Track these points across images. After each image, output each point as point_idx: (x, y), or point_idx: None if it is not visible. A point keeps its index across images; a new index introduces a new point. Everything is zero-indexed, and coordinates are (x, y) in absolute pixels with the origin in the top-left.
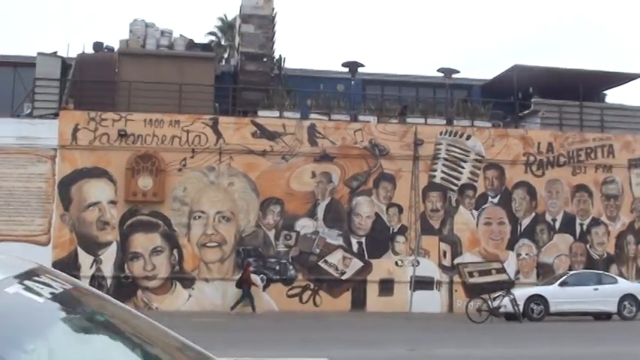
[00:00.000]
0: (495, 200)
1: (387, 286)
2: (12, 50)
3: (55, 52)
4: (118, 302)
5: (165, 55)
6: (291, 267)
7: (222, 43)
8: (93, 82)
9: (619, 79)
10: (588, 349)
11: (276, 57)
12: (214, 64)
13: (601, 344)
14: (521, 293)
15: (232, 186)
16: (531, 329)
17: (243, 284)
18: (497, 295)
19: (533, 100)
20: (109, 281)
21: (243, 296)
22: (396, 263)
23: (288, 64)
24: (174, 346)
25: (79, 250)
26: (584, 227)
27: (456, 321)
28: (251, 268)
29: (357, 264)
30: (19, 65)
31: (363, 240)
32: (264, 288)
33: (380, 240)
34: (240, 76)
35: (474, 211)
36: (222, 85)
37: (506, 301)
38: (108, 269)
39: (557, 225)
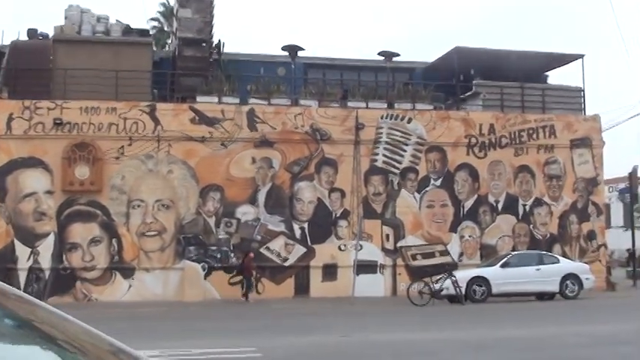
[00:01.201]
0: (437, 183)
1: (330, 271)
2: None
3: None
4: (39, 302)
5: (101, 41)
6: (232, 254)
7: (165, 29)
8: (27, 70)
9: (561, 60)
10: (530, 330)
11: (215, 42)
12: (152, 50)
13: (543, 324)
14: (463, 275)
15: (171, 173)
16: (473, 311)
17: (245, 272)
18: (439, 277)
19: (474, 82)
20: (47, 273)
21: (248, 283)
22: (339, 248)
23: (228, 49)
24: (103, 351)
25: (16, 242)
26: (527, 208)
27: (399, 304)
28: (252, 255)
29: (299, 250)
30: None
31: (306, 225)
32: (206, 276)
33: (322, 225)
34: (178, 62)
35: (416, 194)
36: (159, 71)
37: (448, 283)
38: (46, 261)
39: (500, 206)
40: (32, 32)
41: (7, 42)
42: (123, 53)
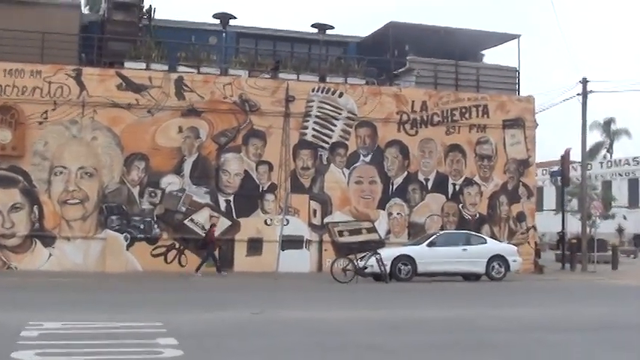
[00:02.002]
0: (367, 159)
1: (255, 246)
2: None
3: None
4: None
5: (27, 2)
6: (155, 225)
7: None
8: None
9: (497, 39)
10: (448, 311)
11: (146, 7)
12: (80, 13)
13: (462, 306)
14: (388, 253)
15: (95, 140)
16: (397, 290)
17: (208, 244)
18: (363, 254)
19: (408, 58)
20: None
21: (207, 256)
22: (265, 222)
23: (159, 15)
24: None
25: None
26: (457, 187)
27: (322, 281)
28: (215, 229)
29: (224, 223)
30: None
31: (232, 198)
32: (128, 247)
33: (249, 198)
34: (107, 26)
35: (345, 169)
36: (86, 35)
37: (372, 261)
38: None
39: (430, 185)
40: None
41: None
42: (50, 15)
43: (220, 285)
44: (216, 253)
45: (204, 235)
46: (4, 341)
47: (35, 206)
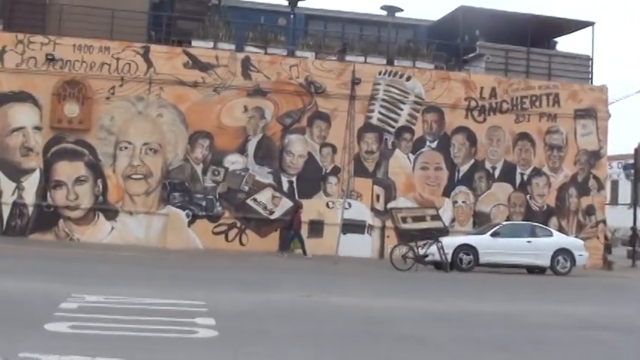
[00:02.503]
0: (433, 145)
1: (316, 228)
2: None
3: None
4: None
5: None
6: (217, 203)
7: None
8: (23, 3)
9: (569, 26)
10: (504, 305)
11: None
12: None
13: (521, 300)
14: (450, 242)
15: (161, 117)
16: (456, 280)
17: (294, 226)
18: (424, 242)
19: (478, 43)
20: (30, 209)
21: (292, 237)
22: (327, 205)
23: None
24: None
25: (1, 175)
26: (525, 177)
27: (383, 268)
28: (301, 211)
29: (286, 204)
30: None
31: (294, 179)
32: (189, 224)
33: (311, 180)
34: (176, 5)
35: (410, 154)
36: (155, 13)
37: (433, 249)
38: (30, 197)
39: (497, 173)
40: None
41: None
42: None
43: (278, 266)
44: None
45: (290, 217)
46: (42, 312)
47: (99, 180)
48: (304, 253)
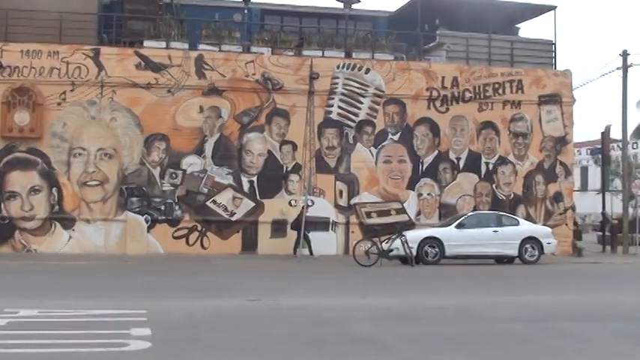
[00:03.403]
0: (396, 137)
1: (279, 228)
2: None
3: None
4: None
5: None
6: (177, 207)
7: None
8: None
9: (531, 11)
10: (467, 298)
11: None
12: None
13: (485, 292)
14: (414, 235)
15: (115, 121)
16: (421, 274)
17: (300, 226)
18: (388, 237)
19: (438, 32)
20: None
21: (306, 238)
22: (290, 203)
23: None
24: None
25: None
26: (490, 166)
27: (346, 264)
28: (307, 210)
29: (248, 204)
30: None
31: (255, 179)
32: (149, 229)
33: (272, 179)
34: (126, 5)
35: (372, 148)
36: (104, 14)
37: (397, 243)
38: None
39: (462, 164)
40: None
41: None
42: None
43: (233, 268)
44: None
45: (296, 216)
46: None
47: (54, 188)
48: (310, 252)
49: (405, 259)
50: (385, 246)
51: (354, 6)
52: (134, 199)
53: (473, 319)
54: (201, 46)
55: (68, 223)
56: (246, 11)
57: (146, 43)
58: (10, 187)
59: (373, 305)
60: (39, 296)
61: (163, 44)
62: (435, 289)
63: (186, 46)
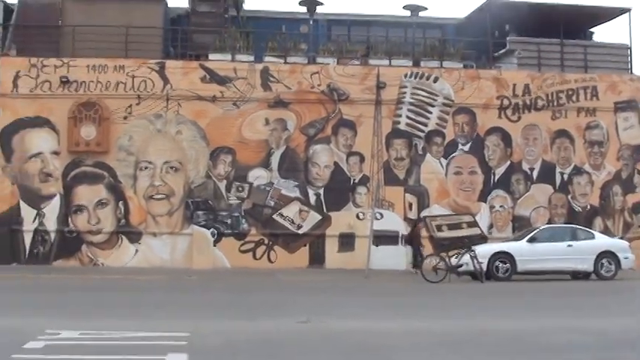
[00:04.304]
0: (466, 148)
1: (347, 241)
2: None
3: None
4: None
5: None
6: (243, 220)
7: None
8: (36, 27)
9: (605, 14)
10: (534, 321)
11: None
12: (165, 6)
13: (555, 313)
14: (484, 250)
15: (180, 134)
16: (489, 291)
17: (414, 241)
18: (456, 252)
19: (508, 38)
20: (52, 235)
21: (418, 253)
22: (357, 216)
23: (248, 6)
24: None
25: (22, 203)
26: (565, 177)
27: (414, 281)
28: (420, 225)
29: (314, 217)
30: None
31: (322, 191)
32: (215, 243)
33: (340, 191)
34: (192, 18)
35: (442, 159)
36: (170, 27)
37: (466, 258)
38: (51, 223)
39: (535, 174)
40: None
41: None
42: (133, 9)
43: (298, 284)
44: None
45: (409, 231)
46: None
47: (121, 202)
48: (418, 268)
49: (475, 275)
50: (454, 261)
51: (421, 13)
52: (200, 212)
53: (531, 346)
54: (266, 59)
55: (134, 236)
56: (311, 22)
57: (212, 56)
58: (77, 200)
59: (429, 329)
60: (87, 315)
61: (229, 57)
62: (500, 309)
63: (251, 58)
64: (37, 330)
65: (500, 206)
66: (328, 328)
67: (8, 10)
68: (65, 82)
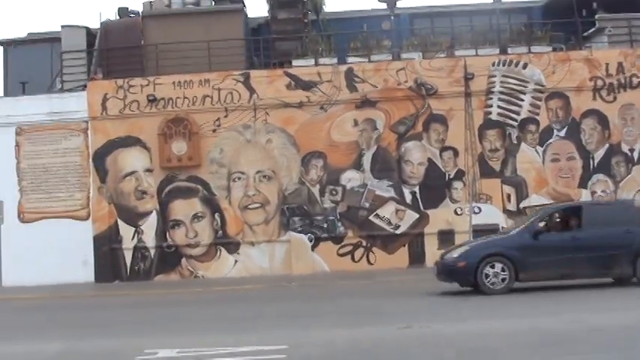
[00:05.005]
0: (562, 133)
1: (447, 238)
2: (47, 26)
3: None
4: None
5: (190, 12)
6: (339, 224)
7: None
8: (119, 48)
9: None
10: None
11: (313, 1)
12: (244, 17)
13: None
14: None
15: (270, 143)
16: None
17: None
18: None
19: (597, 16)
20: (152, 251)
21: None
22: (455, 212)
23: (328, 8)
24: None
25: (119, 221)
26: None
27: None
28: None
29: (411, 216)
30: (54, 41)
31: (417, 189)
32: (313, 248)
33: (435, 188)
34: (272, 26)
35: (538, 147)
36: (251, 38)
37: None
38: (150, 239)
39: (636, 155)
40: (123, 11)
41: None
42: (213, 23)
43: (399, 286)
44: None
45: None
46: None
47: (216, 214)
48: None
49: None
50: None
51: None
52: (296, 218)
53: None
54: (349, 59)
55: (232, 247)
56: (392, 17)
57: (295, 62)
58: (173, 215)
59: (533, 328)
60: (186, 331)
61: (312, 61)
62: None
63: (334, 60)
64: (135, 350)
65: (602, 191)
66: (431, 332)
67: (91, 35)
68: (152, 100)
